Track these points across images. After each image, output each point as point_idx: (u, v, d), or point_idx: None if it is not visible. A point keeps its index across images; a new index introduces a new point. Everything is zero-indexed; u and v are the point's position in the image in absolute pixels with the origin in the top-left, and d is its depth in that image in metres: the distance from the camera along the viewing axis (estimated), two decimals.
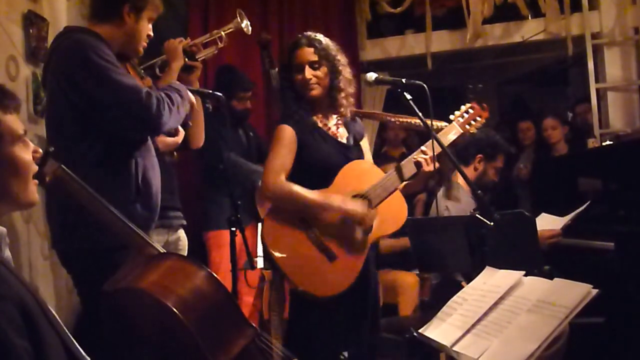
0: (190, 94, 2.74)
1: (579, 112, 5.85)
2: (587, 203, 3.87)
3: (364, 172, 2.90)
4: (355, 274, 2.75)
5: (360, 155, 2.98)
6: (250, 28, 3.37)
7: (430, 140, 2.90)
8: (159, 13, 2.74)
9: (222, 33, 3.24)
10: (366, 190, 2.82)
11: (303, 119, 2.83)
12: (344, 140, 2.94)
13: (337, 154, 2.87)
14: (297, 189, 2.73)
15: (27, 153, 1.56)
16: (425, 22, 5.56)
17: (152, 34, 2.75)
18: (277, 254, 2.68)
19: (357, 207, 2.76)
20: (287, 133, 2.79)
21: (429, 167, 2.89)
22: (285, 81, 2.92)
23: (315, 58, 2.87)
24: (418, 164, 2.90)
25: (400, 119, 3.29)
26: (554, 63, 7.33)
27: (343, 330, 2.78)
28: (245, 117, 4.68)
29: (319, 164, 2.82)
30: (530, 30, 5.50)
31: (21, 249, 3.35)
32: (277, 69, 4.47)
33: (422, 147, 2.93)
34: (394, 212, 2.90)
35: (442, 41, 5.68)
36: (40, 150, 1.64)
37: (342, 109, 2.93)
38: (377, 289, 3.08)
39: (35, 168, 1.60)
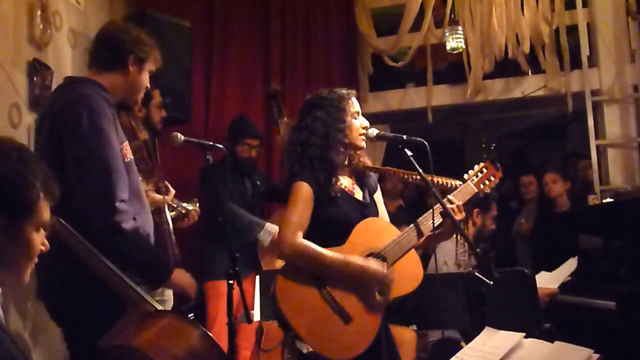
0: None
1: (579, 168, 5.85)
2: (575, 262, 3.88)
3: (379, 229, 2.81)
4: (372, 336, 2.65)
5: (376, 213, 2.92)
6: None
7: (457, 190, 2.90)
8: (158, 67, 2.76)
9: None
10: (382, 249, 2.75)
11: (326, 174, 2.76)
12: (361, 198, 2.90)
13: (355, 212, 2.81)
14: (315, 247, 2.65)
15: (39, 241, 1.60)
16: (427, 76, 5.63)
17: (149, 85, 2.76)
18: (289, 314, 2.60)
19: (377, 266, 2.68)
20: (305, 190, 2.72)
21: (457, 217, 2.80)
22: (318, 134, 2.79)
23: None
24: (445, 214, 2.80)
25: (413, 177, 3.21)
26: (554, 119, 7.37)
27: None
28: (247, 166, 4.66)
29: (337, 221, 2.75)
30: (530, 86, 5.56)
31: (16, 297, 3.31)
32: (285, 119, 4.55)
33: (450, 197, 2.86)
34: (409, 272, 2.80)
35: (442, 95, 5.74)
36: (49, 246, 1.64)
37: (355, 163, 2.91)
38: (395, 349, 2.91)
39: (35, 260, 1.62)
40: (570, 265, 4.08)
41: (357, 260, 2.67)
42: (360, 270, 2.66)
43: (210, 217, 4.27)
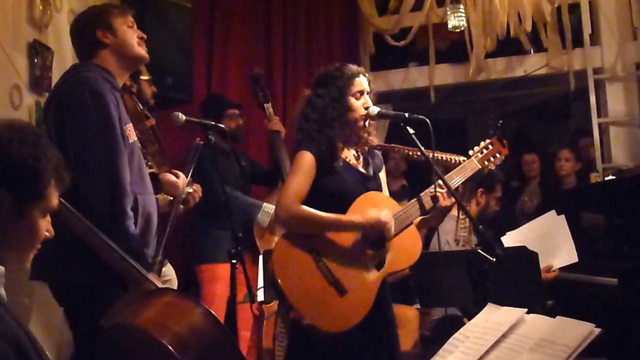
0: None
1: (581, 146, 5.83)
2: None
3: (379, 203, 2.80)
4: (366, 309, 2.66)
5: (379, 188, 2.92)
6: None
7: (461, 166, 2.91)
8: (128, 14, 2.73)
9: None
10: None
11: (327, 147, 2.77)
12: (364, 171, 2.90)
13: (357, 184, 2.82)
14: (312, 210, 2.66)
15: (45, 227, 1.60)
16: (429, 56, 5.60)
17: (143, 34, 2.74)
18: (284, 283, 2.61)
19: (375, 214, 2.68)
20: (307, 159, 2.74)
21: (445, 202, 2.80)
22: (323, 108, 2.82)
23: (369, 89, 2.88)
24: (435, 198, 2.81)
25: (417, 153, 3.17)
26: (556, 97, 7.35)
27: None
28: (239, 134, 4.62)
29: (338, 191, 2.76)
30: (532, 64, 5.54)
31: (21, 280, 3.31)
32: (270, 103, 4.52)
33: (439, 182, 2.82)
34: (407, 247, 2.81)
35: (445, 74, 5.72)
36: (53, 232, 1.64)
37: (363, 141, 2.91)
38: (394, 326, 2.90)
39: (39, 245, 1.62)
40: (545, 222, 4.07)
41: (354, 216, 2.69)
42: (358, 223, 2.67)
43: (203, 199, 4.25)
